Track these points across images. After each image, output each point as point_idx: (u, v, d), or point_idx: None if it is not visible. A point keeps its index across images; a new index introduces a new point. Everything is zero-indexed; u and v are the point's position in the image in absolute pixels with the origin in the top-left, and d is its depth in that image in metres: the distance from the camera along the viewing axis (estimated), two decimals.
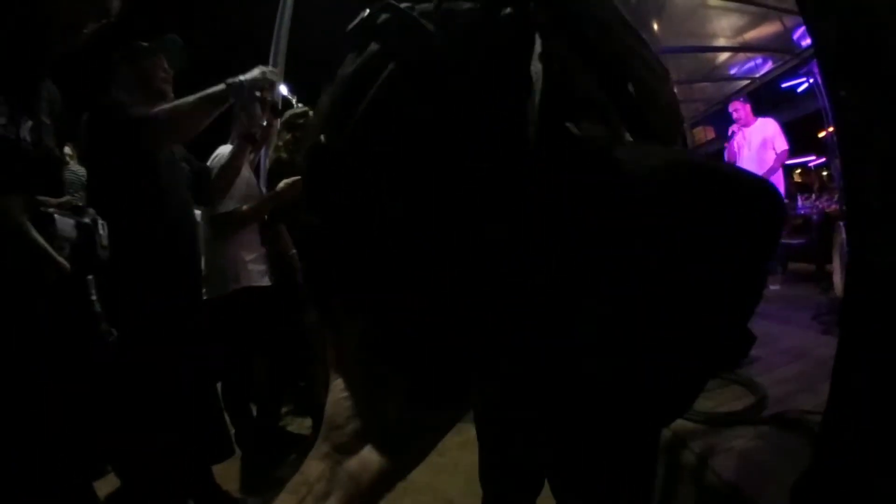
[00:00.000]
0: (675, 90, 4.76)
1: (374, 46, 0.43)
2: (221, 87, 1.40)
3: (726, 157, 4.78)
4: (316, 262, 0.54)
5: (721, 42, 5.21)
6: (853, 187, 1.10)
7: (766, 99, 7.32)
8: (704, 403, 1.89)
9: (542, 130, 0.39)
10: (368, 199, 0.41)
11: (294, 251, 2.02)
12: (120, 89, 1.53)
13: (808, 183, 8.20)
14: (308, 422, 2.39)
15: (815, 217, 4.51)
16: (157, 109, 1.35)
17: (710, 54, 5.58)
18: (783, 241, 5.06)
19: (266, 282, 1.93)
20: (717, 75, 6.41)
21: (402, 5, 0.45)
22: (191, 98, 1.38)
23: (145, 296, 1.32)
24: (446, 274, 0.40)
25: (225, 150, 1.87)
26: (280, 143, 2.26)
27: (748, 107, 4.39)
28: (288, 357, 2.12)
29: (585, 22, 0.65)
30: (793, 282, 4.62)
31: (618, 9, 0.89)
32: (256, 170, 2.32)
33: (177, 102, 1.41)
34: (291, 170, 2.05)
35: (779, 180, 4.18)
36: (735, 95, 7.07)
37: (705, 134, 11.03)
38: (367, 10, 0.46)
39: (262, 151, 2.48)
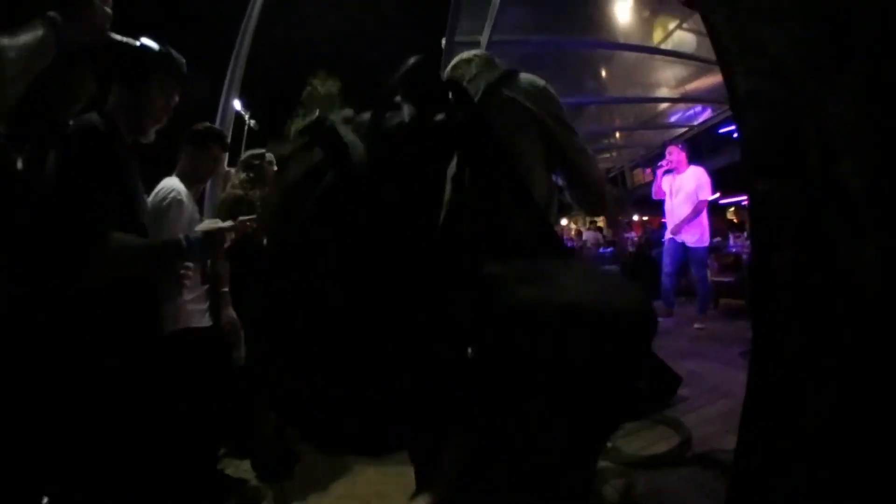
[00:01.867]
0: (618, 135, 5.03)
1: (318, 153, 0.55)
2: (178, 240, 1.25)
3: (653, 195, 5.04)
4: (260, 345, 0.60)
5: (664, 91, 5.56)
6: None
7: (704, 144, 7.89)
8: (632, 444, 1.96)
9: (443, 250, 0.54)
10: (312, 283, 0.51)
11: (226, 288, 1.96)
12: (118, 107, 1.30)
13: (741, 221, 8.73)
14: (246, 464, 2.28)
15: (745, 256, 4.82)
16: (108, 240, 1.12)
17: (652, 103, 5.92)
18: (715, 278, 5.38)
19: (206, 321, 1.84)
20: (657, 123, 6.85)
21: (343, 115, 0.61)
22: (141, 243, 1.21)
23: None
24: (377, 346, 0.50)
25: (170, 182, 1.76)
26: (234, 183, 2.31)
27: (684, 154, 4.66)
28: (225, 399, 2.02)
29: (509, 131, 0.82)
30: (724, 318, 4.89)
31: (553, 107, 0.98)
32: (200, 202, 2.25)
33: (127, 242, 1.17)
34: (246, 205, 2.06)
35: (702, 223, 4.45)
36: (674, 141, 7.57)
37: (643, 176, 11.84)
38: (316, 117, 0.61)
39: (208, 185, 2.42)
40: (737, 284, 5.01)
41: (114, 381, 1.14)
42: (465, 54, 1.23)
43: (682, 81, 5.39)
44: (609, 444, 1.94)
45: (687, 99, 5.80)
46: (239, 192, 2.22)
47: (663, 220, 9.27)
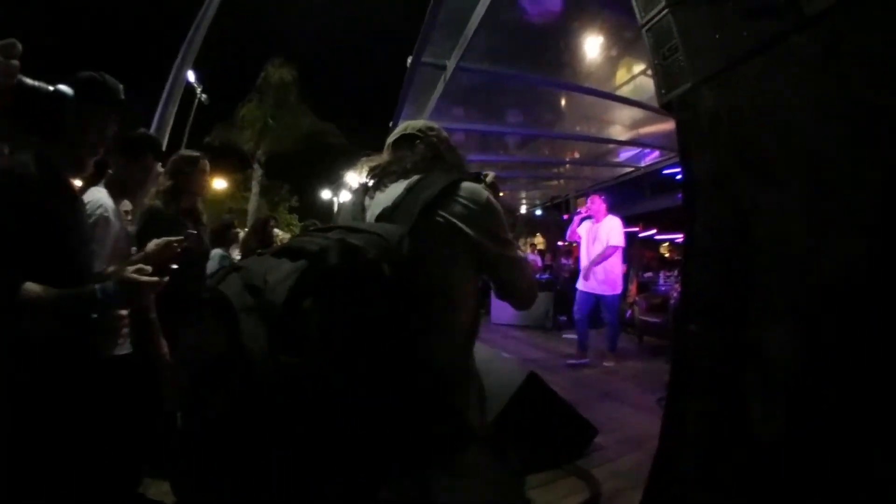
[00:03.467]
0: (568, 167, 5.18)
1: (303, 262, 0.79)
2: (92, 291, 1.10)
3: (567, 236, 5.35)
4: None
5: (618, 129, 5.79)
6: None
7: (648, 184, 8.30)
8: (545, 495, 2.00)
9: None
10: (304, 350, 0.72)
11: (154, 315, 1.79)
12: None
13: (672, 258, 9.24)
14: (166, 486, 2.12)
15: (672, 301, 5.10)
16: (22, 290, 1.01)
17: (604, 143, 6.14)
18: (642, 317, 5.67)
19: (126, 349, 1.68)
20: (606, 160, 7.14)
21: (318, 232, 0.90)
22: (49, 296, 1.05)
23: None
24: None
25: (96, 196, 1.56)
26: (158, 190, 2.02)
27: (605, 205, 4.97)
28: (145, 423, 1.86)
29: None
30: (647, 355, 5.16)
31: (492, 225, 1.03)
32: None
33: (41, 293, 1.04)
34: (167, 222, 1.83)
35: (613, 272, 4.75)
36: (620, 178, 7.96)
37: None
38: (301, 234, 0.92)
39: None
40: (662, 325, 5.30)
41: (32, 406, 1.07)
42: (412, 128, 1.19)
43: (635, 124, 5.62)
44: (525, 496, 1.98)
45: (637, 143, 6.07)
46: (158, 204, 1.96)
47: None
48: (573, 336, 6.33)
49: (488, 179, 1.24)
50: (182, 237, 1.49)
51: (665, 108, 1.51)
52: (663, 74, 1.49)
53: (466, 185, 1.03)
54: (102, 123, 1.25)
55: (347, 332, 0.75)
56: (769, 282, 1.07)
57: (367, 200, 1.09)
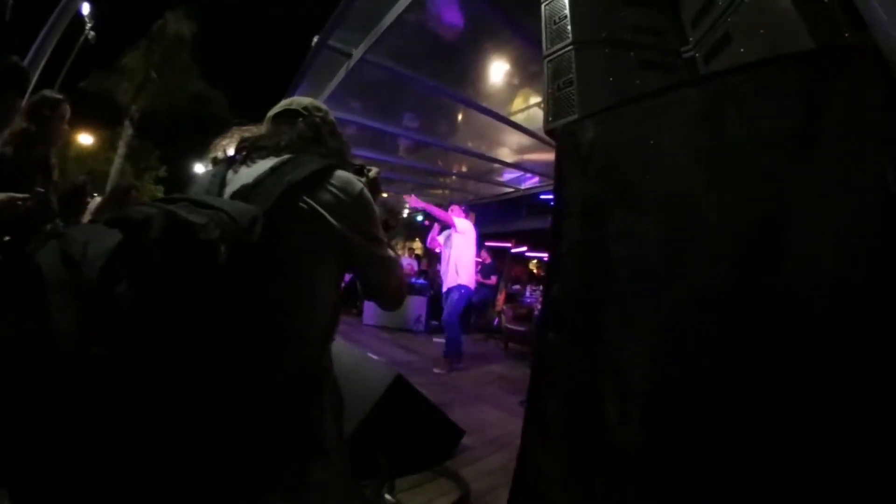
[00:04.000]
0: (454, 178, 5.36)
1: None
2: None
3: (427, 244, 5.46)
4: None
5: (505, 151, 6.19)
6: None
7: (525, 205, 8.99)
8: (414, 498, 2.02)
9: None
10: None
11: None
12: None
13: (539, 274, 10.05)
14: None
15: (536, 311, 5.55)
16: None
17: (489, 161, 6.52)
18: (508, 325, 6.09)
19: None
20: (489, 178, 7.60)
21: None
22: None
23: None
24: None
25: None
26: (12, 132, 1.66)
27: (464, 215, 4.96)
28: None
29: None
30: (512, 360, 5.53)
31: (363, 220, 0.96)
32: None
33: None
34: (17, 174, 1.50)
35: (470, 266, 4.82)
36: (501, 196, 8.53)
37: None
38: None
39: None
40: (526, 333, 5.73)
41: None
42: (298, 104, 1.09)
43: (522, 150, 6.07)
44: (392, 499, 1.96)
45: (520, 167, 6.54)
46: (9, 151, 1.61)
47: (475, 259, 10.14)
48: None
49: (371, 174, 1.18)
50: (27, 195, 1.23)
51: (549, 133, 1.63)
52: (553, 103, 1.61)
53: (341, 173, 0.95)
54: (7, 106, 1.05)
55: (167, 324, 0.65)
56: (624, 300, 1.19)
57: (229, 174, 0.95)
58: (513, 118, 4.85)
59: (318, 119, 1.07)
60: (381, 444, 2.13)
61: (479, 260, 8.12)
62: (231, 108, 17.92)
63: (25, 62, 4.23)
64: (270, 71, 33.02)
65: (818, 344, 0.82)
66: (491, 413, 3.31)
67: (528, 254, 13.16)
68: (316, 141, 1.04)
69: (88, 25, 10.58)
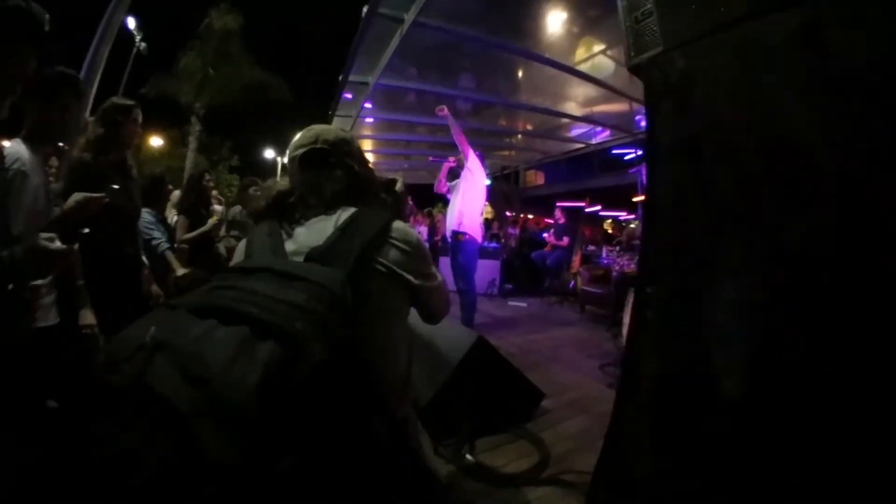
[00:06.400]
0: (520, 137, 5.13)
1: (246, 331, 0.64)
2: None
3: (435, 188, 4.92)
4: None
5: (571, 106, 5.84)
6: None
7: (596, 161, 8.54)
8: (495, 460, 2.04)
9: None
10: None
11: (82, 281, 1.61)
12: None
13: (616, 234, 9.63)
14: None
15: (614, 273, 5.31)
16: None
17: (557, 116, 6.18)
18: (584, 287, 5.90)
19: (53, 318, 1.49)
20: (558, 134, 7.22)
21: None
22: None
23: None
24: None
25: (13, 149, 1.35)
26: (87, 139, 1.82)
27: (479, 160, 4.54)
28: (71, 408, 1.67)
29: None
30: (588, 323, 5.38)
31: (421, 265, 1.02)
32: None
33: None
34: (96, 176, 1.63)
35: (477, 212, 4.43)
36: (570, 153, 8.11)
37: (535, 178, 12.72)
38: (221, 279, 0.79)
39: None
40: (603, 295, 5.53)
41: None
42: (323, 141, 1.08)
43: (589, 102, 5.70)
44: (472, 460, 2.00)
45: (590, 119, 6.16)
46: (87, 156, 1.76)
47: (547, 220, 9.81)
48: (520, 303, 6.53)
49: (398, 187, 1.26)
50: (103, 194, 1.33)
51: (632, 70, 1.49)
52: (634, 37, 1.45)
53: (398, 225, 1.00)
54: (21, 58, 1.07)
55: (307, 423, 0.64)
56: (728, 246, 1.09)
57: (283, 234, 0.99)
58: (577, 69, 4.54)
59: (347, 159, 1.09)
60: (462, 404, 2.17)
61: (553, 220, 7.88)
62: (291, 90, 18.55)
63: (81, 74, 4.59)
64: (325, 47, 33.42)
65: None
66: (569, 376, 3.25)
67: (602, 213, 12.63)
68: (360, 190, 1.08)
69: (138, 38, 11.38)
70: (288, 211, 1.05)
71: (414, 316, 1.11)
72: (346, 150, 1.10)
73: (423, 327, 1.16)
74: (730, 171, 1.10)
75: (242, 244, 1.05)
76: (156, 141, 18.58)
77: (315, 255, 0.88)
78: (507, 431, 2.28)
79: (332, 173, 1.06)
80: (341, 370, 0.69)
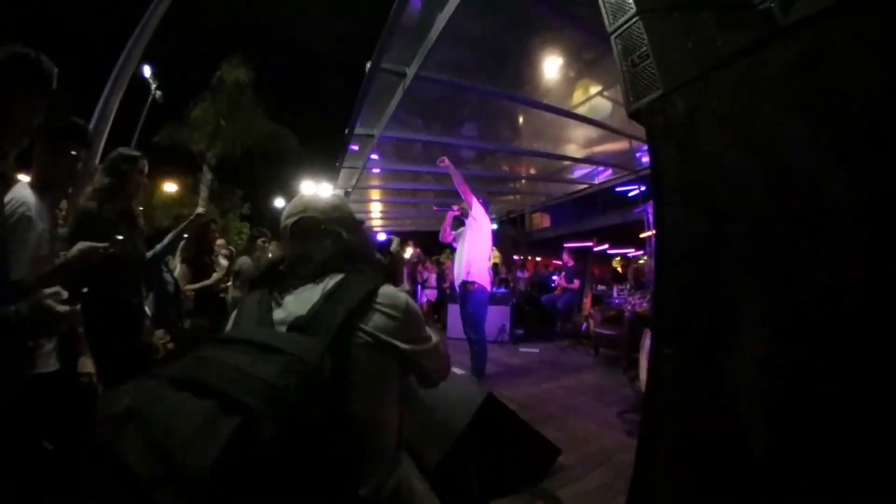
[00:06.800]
0: (524, 182, 5.12)
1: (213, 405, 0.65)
2: (8, 315, 1.00)
3: (441, 238, 4.82)
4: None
5: (573, 148, 5.93)
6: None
7: (601, 200, 8.57)
8: None
9: None
10: None
11: (82, 329, 1.59)
12: None
13: (624, 272, 9.54)
14: None
15: (627, 314, 5.19)
16: None
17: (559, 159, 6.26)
18: (597, 329, 5.75)
19: (53, 365, 1.46)
20: (561, 176, 7.30)
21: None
22: None
23: None
24: None
25: (19, 193, 1.37)
26: (94, 188, 1.84)
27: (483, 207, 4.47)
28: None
29: None
30: (603, 367, 5.20)
31: (412, 331, 0.98)
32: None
33: None
34: (101, 225, 1.65)
35: (485, 260, 4.36)
36: (574, 195, 8.17)
37: (542, 221, 12.80)
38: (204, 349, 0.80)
39: None
40: (617, 337, 5.36)
41: None
42: (314, 209, 1.09)
43: (590, 143, 5.79)
44: None
45: (591, 160, 6.23)
46: (92, 205, 1.78)
47: (556, 262, 9.76)
48: (532, 349, 6.36)
49: (393, 248, 1.27)
50: (107, 244, 1.34)
51: (633, 116, 1.46)
52: (632, 81, 1.44)
53: (385, 290, 0.96)
54: (30, 110, 1.11)
55: (274, 492, 0.64)
56: (745, 298, 1.03)
57: (273, 303, 0.99)
58: (575, 112, 4.63)
59: (336, 227, 1.09)
60: (473, 465, 2.05)
61: (561, 263, 7.82)
62: (301, 141, 19.12)
63: (91, 124, 4.72)
64: (328, 97, 34.65)
65: None
66: (586, 427, 3.09)
67: (610, 251, 12.57)
68: (349, 256, 1.07)
69: (154, 86, 11.89)
70: (279, 279, 1.04)
71: None
72: (335, 217, 1.10)
73: None
74: (741, 218, 1.05)
75: (235, 312, 1.04)
76: (169, 187, 19.04)
77: (298, 325, 0.87)
78: (522, 492, 2.14)
79: (320, 242, 1.06)
80: (301, 447, 0.68)
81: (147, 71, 11.84)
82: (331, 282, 0.97)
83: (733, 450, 0.99)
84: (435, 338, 1.05)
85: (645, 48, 1.39)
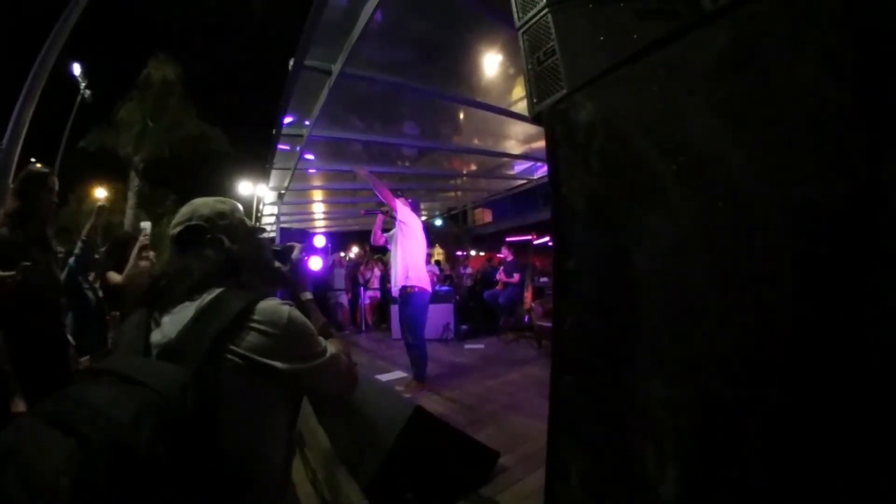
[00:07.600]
0: (465, 178, 5.07)
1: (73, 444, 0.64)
2: None
3: (372, 241, 4.68)
4: None
5: (511, 143, 5.98)
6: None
7: (539, 195, 8.75)
8: None
9: None
10: None
11: (9, 367, 1.46)
12: None
13: None
14: None
15: None
16: None
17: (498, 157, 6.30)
18: (539, 322, 5.86)
19: None
20: (500, 172, 7.38)
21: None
22: None
23: None
24: None
25: None
26: (5, 213, 1.74)
27: (417, 213, 4.38)
28: None
29: None
30: (546, 357, 5.28)
31: (296, 347, 0.89)
32: None
33: None
34: (13, 251, 1.55)
35: (421, 261, 4.23)
36: (514, 189, 8.30)
37: (483, 216, 12.97)
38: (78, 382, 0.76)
39: None
40: None
41: None
42: (198, 216, 0.99)
43: (529, 139, 5.85)
44: None
45: (529, 157, 6.31)
46: (3, 231, 1.64)
47: (498, 256, 9.89)
48: (477, 345, 6.38)
49: (294, 255, 1.17)
50: (13, 272, 1.33)
51: (535, 120, 1.32)
52: (536, 82, 1.31)
53: (262, 306, 0.87)
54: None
55: None
56: (656, 325, 0.92)
57: (152, 322, 0.89)
58: (514, 108, 4.64)
59: (221, 234, 0.98)
60: (407, 480, 1.98)
61: (501, 256, 7.90)
62: (233, 142, 18.25)
63: (7, 129, 4.49)
64: (263, 97, 33.62)
65: None
66: (528, 425, 3.10)
67: (551, 244, 12.85)
68: (232, 269, 0.96)
69: (83, 84, 10.94)
70: (159, 297, 0.92)
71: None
72: (221, 225, 0.98)
73: (357, 399, 1.00)
74: (650, 233, 0.94)
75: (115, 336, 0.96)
76: (100, 193, 17.63)
77: (167, 351, 0.80)
78: (460, 500, 2.10)
79: (202, 253, 0.94)
80: (150, 489, 0.65)
81: (76, 69, 10.85)
82: (207, 298, 0.86)
83: (637, 493, 0.94)
84: (332, 350, 0.95)
85: (552, 44, 1.26)
